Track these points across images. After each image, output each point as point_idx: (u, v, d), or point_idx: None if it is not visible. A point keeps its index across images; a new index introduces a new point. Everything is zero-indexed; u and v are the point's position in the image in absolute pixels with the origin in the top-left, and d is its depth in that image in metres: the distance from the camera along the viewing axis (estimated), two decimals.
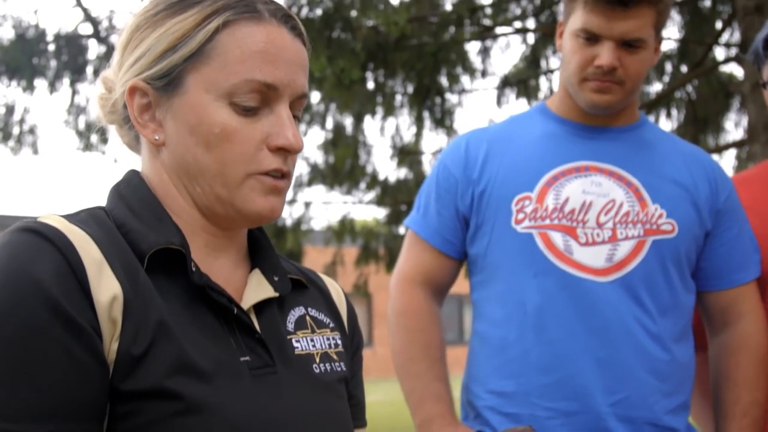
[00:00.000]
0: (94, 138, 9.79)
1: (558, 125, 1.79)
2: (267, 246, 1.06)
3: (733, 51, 7.22)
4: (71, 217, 0.91)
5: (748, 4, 6.60)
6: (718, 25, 8.07)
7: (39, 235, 0.84)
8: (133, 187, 0.99)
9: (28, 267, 0.81)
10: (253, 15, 0.96)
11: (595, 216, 1.68)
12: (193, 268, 0.92)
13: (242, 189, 0.95)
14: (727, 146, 8.92)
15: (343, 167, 9.06)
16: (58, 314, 0.80)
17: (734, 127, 9.46)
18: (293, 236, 9.26)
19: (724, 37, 8.04)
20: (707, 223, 1.75)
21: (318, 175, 9.46)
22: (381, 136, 9.14)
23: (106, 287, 0.84)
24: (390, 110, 8.54)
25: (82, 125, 9.77)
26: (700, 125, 9.11)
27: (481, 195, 1.74)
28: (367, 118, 9.05)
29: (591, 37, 1.66)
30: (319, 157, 9.55)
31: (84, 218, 0.92)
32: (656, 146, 1.79)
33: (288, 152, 0.97)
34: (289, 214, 9.77)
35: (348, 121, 9.29)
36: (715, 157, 10.53)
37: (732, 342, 1.77)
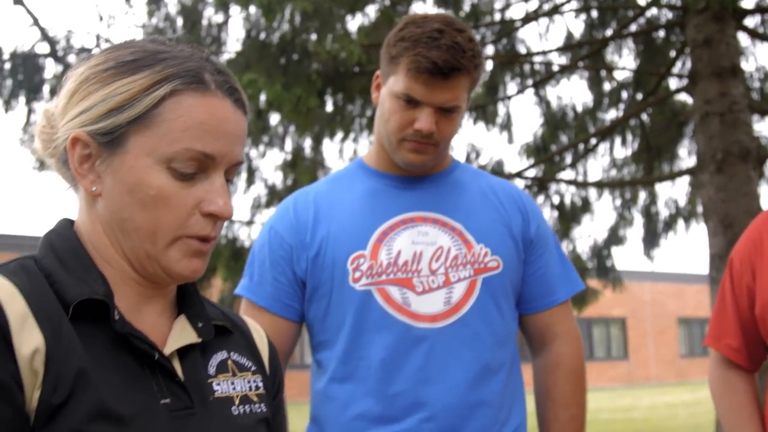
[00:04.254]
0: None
1: (378, 180, 1.85)
2: (193, 293, 1.10)
3: (685, 81, 7.36)
4: (0, 269, 0.95)
5: (698, 37, 6.75)
6: (672, 53, 8.23)
7: None
8: (63, 237, 1.02)
9: None
10: (199, 86, 1.00)
11: (427, 264, 1.75)
12: (116, 317, 0.96)
13: (170, 250, 1.00)
14: (681, 173, 9.07)
15: None
16: None
17: (687, 154, 9.64)
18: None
19: (677, 67, 8.20)
20: (522, 253, 1.85)
21: (276, 197, 9.46)
22: (340, 158, 9.18)
23: (28, 340, 0.88)
24: (349, 133, 8.58)
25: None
26: (654, 153, 9.26)
27: (315, 258, 1.78)
28: (326, 141, 9.08)
29: (411, 101, 1.73)
30: (278, 179, 9.55)
31: (13, 269, 0.96)
32: (470, 186, 1.88)
33: (217, 218, 1.02)
34: (248, 236, 9.74)
35: (307, 143, 9.32)
36: (668, 184, 10.72)
37: (549, 362, 1.88)
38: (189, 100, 0.99)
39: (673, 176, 9.25)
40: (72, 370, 0.89)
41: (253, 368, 1.12)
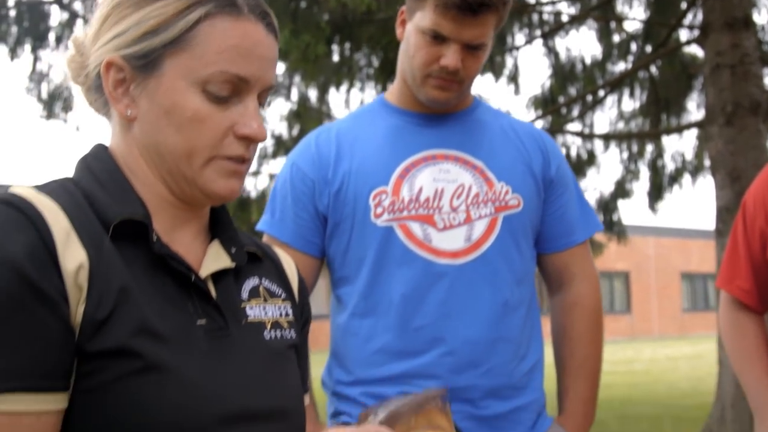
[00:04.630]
0: (57, 106, 9.68)
1: (401, 117, 1.85)
2: (226, 220, 1.12)
3: (696, 32, 7.29)
4: (41, 188, 0.97)
5: None
6: (683, 5, 8.14)
7: (10, 206, 0.90)
8: (100, 160, 1.04)
9: (3, 244, 0.86)
10: (232, 10, 1.01)
11: (448, 201, 1.76)
12: (155, 239, 0.98)
13: (206, 170, 1.01)
14: (689, 126, 9.03)
15: None
16: (28, 286, 0.86)
17: (696, 107, 9.58)
18: (258, 208, 9.26)
19: (688, 18, 8.11)
20: (542, 192, 1.86)
21: (282, 147, 9.45)
22: (346, 108, 9.14)
23: (72, 256, 0.90)
24: (355, 83, 8.54)
25: (44, 93, 9.64)
26: (662, 105, 9.20)
27: (337, 193, 1.78)
28: (332, 91, 9.03)
29: (438, 37, 1.72)
30: (283, 129, 9.54)
31: (53, 189, 0.97)
32: (492, 125, 1.88)
33: (251, 141, 1.04)
34: (254, 186, 9.76)
35: (313, 93, 9.28)
36: (675, 137, 10.64)
37: (567, 301, 1.91)
38: (223, 24, 1.00)
39: (680, 129, 9.22)
40: (114, 286, 0.91)
41: (283, 295, 1.14)
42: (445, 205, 1.76)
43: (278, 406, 1.03)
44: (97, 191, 0.99)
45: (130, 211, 0.97)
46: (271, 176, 9.77)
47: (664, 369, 15.80)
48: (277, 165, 9.67)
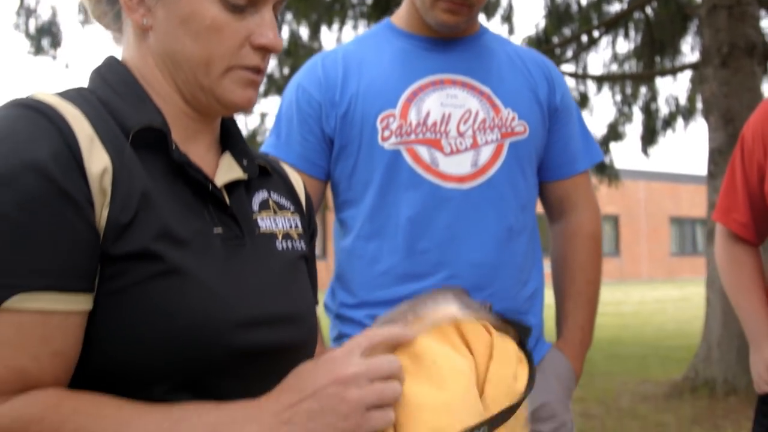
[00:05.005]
0: (45, 42, 9.55)
1: (408, 41, 1.83)
2: (237, 133, 1.13)
3: None
4: (62, 95, 0.96)
5: None
6: None
7: (35, 111, 0.90)
8: (114, 71, 1.03)
9: (26, 143, 0.87)
10: None
11: (455, 126, 1.75)
12: (174, 147, 0.98)
13: (223, 80, 1.01)
14: (683, 68, 8.98)
15: None
16: (53, 185, 0.86)
17: (690, 50, 9.52)
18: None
19: None
20: (547, 120, 1.86)
21: (274, 86, 9.37)
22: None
23: (97, 160, 0.90)
24: (347, 20, 8.44)
25: (32, 28, 9.51)
26: (657, 47, 9.13)
27: (344, 116, 1.76)
28: (324, 29, 8.93)
29: None
30: (274, 67, 9.44)
31: (73, 96, 0.97)
32: (498, 52, 1.87)
33: (268, 51, 1.03)
34: (244, 125, 9.70)
35: (304, 31, 9.17)
36: (669, 80, 10.56)
37: (567, 229, 1.92)
38: None
39: (675, 71, 9.17)
40: (137, 191, 0.92)
41: (292, 209, 1.15)
42: (452, 129, 1.75)
43: (294, 312, 1.04)
44: (115, 100, 0.98)
45: (149, 119, 0.97)
46: (263, 115, 9.71)
47: (652, 311, 15.99)
48: (268, 104, 9.61)
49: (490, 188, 1.75)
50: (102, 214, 0.89)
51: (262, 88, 8.77)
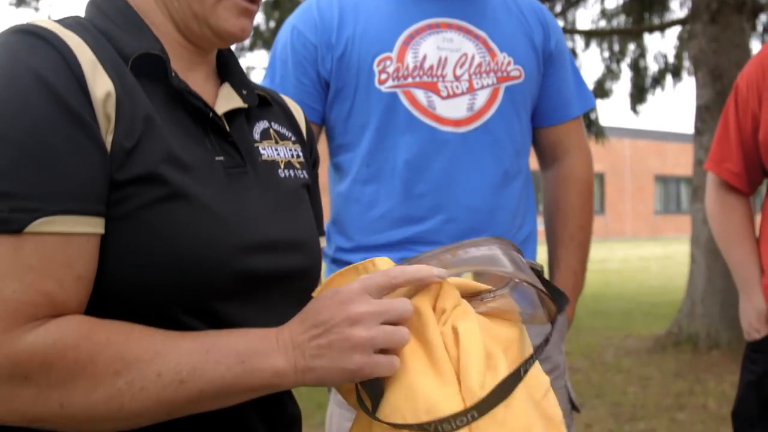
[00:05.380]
0: None
1: None
2: (235, 63, 1.12)
3: None
4: (60, 22, 0.95)
5: None
6: None
7: (36, 36, 0.89)
8: (110, 1, 1.02)
9: (30, 65, 0.86)
10: None
11: (451, 70, 1.74)
12: (173, 74, 0.97)
13: (217, 8, 1.01)
14: (671, 24, 8.95)
15: None
16: (63, 108, 0.85)
17: (679, 6, 9.48)
18: None
19: None
20: (542, 66, 1.86)
21: (259, 39, 9.27)
22: None
23: (100, 84, 0.89)
24: None
25: None
26: (646, 2, 9.09)
27: (340, 58, 1.74)
28: None
29: None
30: (260, 20, 9.33)
31: (71, 24, 0.96)
32: None
33: None
34: None
35: None
36: (657, 37, 10.51)
37: (560, 174, 1.93)
38: None
39: (663, 27, 9.13)
40: (140, 115, 0.91)
41: (293, 138, 1.15)
42: (448, 73, 1.74)
43: (297, 238, 1.04)
44: (113, 29, 0.97)
45: (147, 46, 0.96)
46: (248, 68, 9.61)
47: (635, 268, 16.12)
48: (254, 58, 9.50)
49: (486, 132, 1.75)
50: (107, 139, 0.88)
51: (246, 42, 8.69)
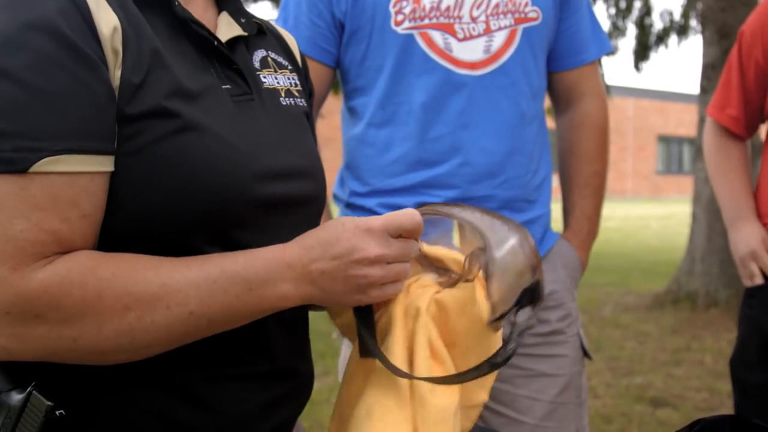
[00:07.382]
0: None
1: None
2: None
3: None
4: None
5: None
6: None
7: None
8: None
9: (33, 4, 0.86)
10: None
11: (468, 11, 1.72)
12: (176, 3, 0.98)
13: None
14: None
15: None
16: (67, 46, 0.85)
17: None
18: None
19: None
20: (558, 8, 1.83)
21: None
22: None
23: (106, 19, 0.89)
24: None
25: None
26: None
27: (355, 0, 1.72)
28: None
29: None
30: None
31: None
32: None
33: None
34: None
35: None
36: None
37: (575, 119, 1.92)
38: None
39: None
40: (146, 48, 0.91)
41: (290, 67, 1.16)
42: (465, 14, 1.71)
43: (306, 166, 1.06)
44: None
45: None
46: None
47: (636, 227, 16.17)
48: (258, 8, 9.40)
49: (502, 75, 1.73)
50: (115, 74, 0.88)
51: None
